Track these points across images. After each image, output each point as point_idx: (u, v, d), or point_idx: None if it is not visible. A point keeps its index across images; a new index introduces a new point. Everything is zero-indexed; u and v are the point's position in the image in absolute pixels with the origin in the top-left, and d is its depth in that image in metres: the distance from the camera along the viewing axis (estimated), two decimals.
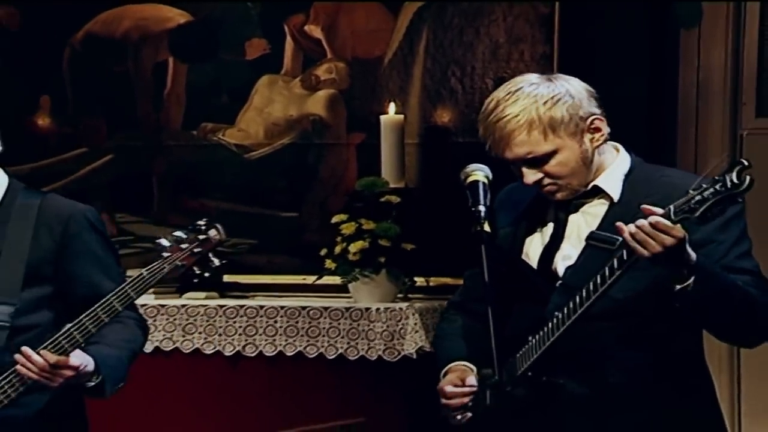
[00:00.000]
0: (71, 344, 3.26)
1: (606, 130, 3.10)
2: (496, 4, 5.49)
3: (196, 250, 3.26)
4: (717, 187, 2.79)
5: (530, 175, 3.07)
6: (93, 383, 3.32)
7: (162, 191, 5.95)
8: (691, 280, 2.88)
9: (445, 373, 3.19)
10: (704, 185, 2.81)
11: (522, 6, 5.46)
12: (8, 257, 3.39)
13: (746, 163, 2.79)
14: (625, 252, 2.89)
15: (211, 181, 5.84)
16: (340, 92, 5.75)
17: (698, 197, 2.81)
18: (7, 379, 3.29)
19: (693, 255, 2.88)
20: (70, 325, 3.27)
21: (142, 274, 3.26)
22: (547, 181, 3.07)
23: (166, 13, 5.92)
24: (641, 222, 2.84)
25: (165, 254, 3.26)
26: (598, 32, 5.19)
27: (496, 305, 2.98)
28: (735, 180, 2.77)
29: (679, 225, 2.84)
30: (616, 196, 3.09)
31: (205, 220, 3.30)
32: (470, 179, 3.10)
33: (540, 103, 3.03)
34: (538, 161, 3.05)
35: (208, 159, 5.88)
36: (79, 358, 3.24)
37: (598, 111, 3.09)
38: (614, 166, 3.13)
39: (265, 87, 5.83)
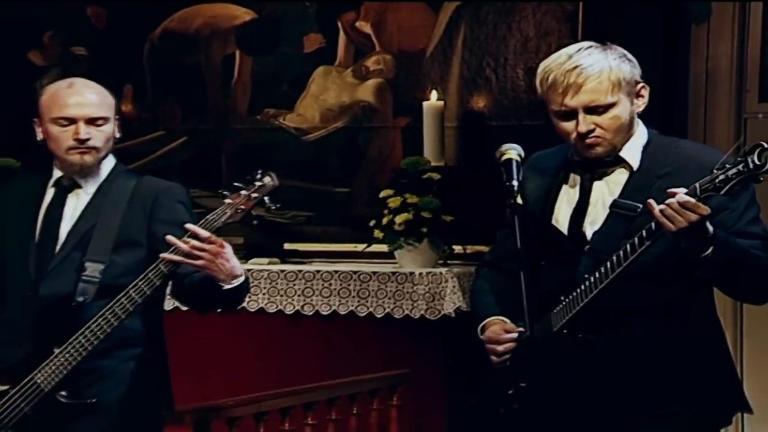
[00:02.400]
0: (148, 286, 3.29)
1: (647, 98, 3.08)
2: (526, 2, 5.46)
3: (253, 195, 3.28)
4: (740, 167, 2.76)
5: (585, 123, 3.02)
6: (235, 284, 3.31)
7: (230, 169, 5.97)
8: (710, 250, 2.86)
9: (483, 327, 3.18)
10: (727, 165, 2.78)
11: (549, 4, 5.43)
12: (103, 224, 3.45)
13: (766, 145, 2.75)
14: (653, 225, 2.86)
15: (272, 159, 5.83)
16: (387, 81, 5.74)
17: (722, 176, 2.78)
18: (102, 316, 3.32)
19: (710, 228, 2.86)
20: (146, 271, 3.31)
21: (207, 218, 3.27)
22: (597, 131, 3.03)
23: (234, 12, 5.94)
24: (670, 200, 2.82)
25: (227, 200, 3.27)
26: (617, 27, 5.15)
27: (528, 269, 2.96)
28: (757, 161, 2.75)
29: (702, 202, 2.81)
30: (636, 165, 3.06)
31: (260, 170, 3.30)
32: (504, 157, 3.08)
33: (611, 58, 3.02)
34: (596, 110, 3.01)
35: (270, 140, 5.89)
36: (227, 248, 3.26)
37: (643, 81, 3.08)
38: (635, 138, 3.10)
39: (320, 77, 5.83)
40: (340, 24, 5.78)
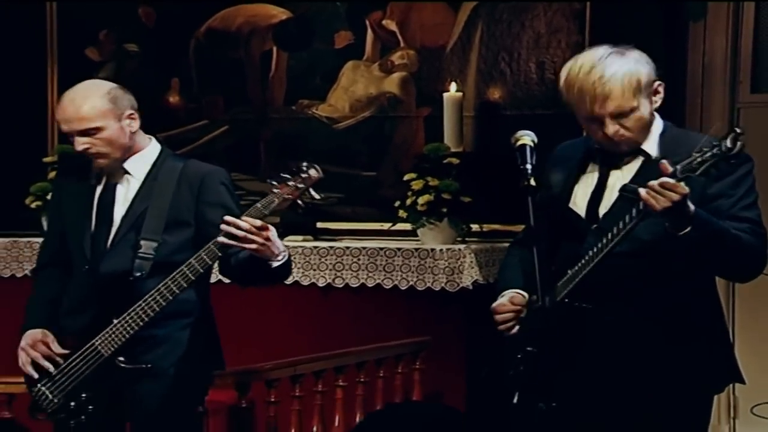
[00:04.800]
0: (201, 265, 3.28)
1: (662, 94, 3.03)
2: (538, 1, 5.43)
3: (299, 185, 3.22)
4: (714, 150, 2.74)
5: (611, 127, 2.97)
6: (279, 262, 3.28)
7: (267, 155, 5.96)
8: (689, 227, 2.82)
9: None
10: (704, 149, 2.75)
11: (559, 3, 5.40)
12: (155, 206, 3.43)
13: (739, 131, 2.74)
14: (641, 204, 2.83)
15: (306, 146, 5.84)
16: (410, 74, 5.71)
17: (699, 159, 2.75)
18: (158, 291, 3.32)
19: (692, 207, 2.82)
20: (200, 252, 3.28)
21: (256, 205, 3.24)
22: (622, 132, 2.98)
23: (271, 11, 5.92)
24: (652, 183, 2.78)
25: (275, 190, 3.23)
26: (621, 23, 5.11)
27: (541, 246, 2.94)
28: (729, 145, 2.73)
29: (683, 183, 2.77)
30: (654, 154, 3.02)
31: (306, 162, 3.26)
32: (519, 143, 3.03)
33: (631, 64, 2.95)
34: (621, 115, 2.96)
35: (304, 129, 5.88)
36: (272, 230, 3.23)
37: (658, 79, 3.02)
38: (653, 129, 3.06)
39: (350, 70, 5.81)
40: (368, 22, 5.76)
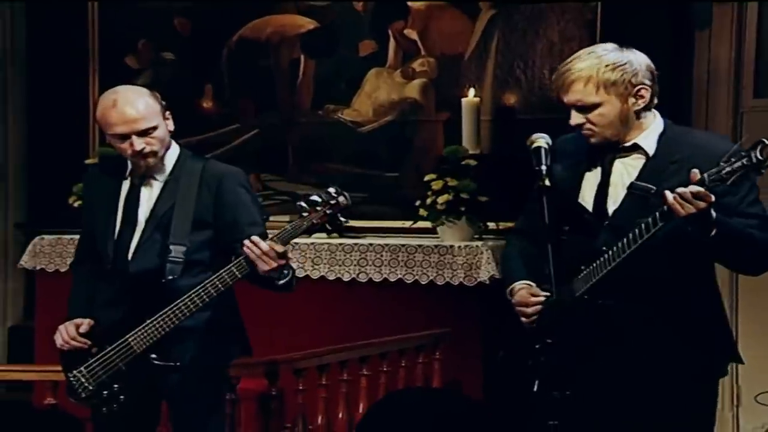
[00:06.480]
0: (230, 277, 3.28)
1: (648, 98, 2.99)
2: (551, 11, 5.40)
3: (328, 211, 3.21)
4: (744, 161, 2.72)
5: (575, 118, 3.00)
6: (284, 280, 3.30)
7: (295, 157, 5.97)
8: (714, 232, 2.82)
9: (512, 290, 3.13)
10: (733, 159, 2.73)
11: (572, 13, 5.37)
12: (180, 208, 3.40)
13: (767, 141, 2.70)
14: (666, 208, 2.82)
15: (332, 149, 5.84)
16: (430, 81, 5.70)
17: (728, 168, 2.74)
18: (189, 297, 3.30)
19: (714, 213, 2.81)
20: (230, 265, 3.27)
21: (286, 228, 3.22)
22: (587, 125, 2.99)
23: (299, 21, 5.93)
24: (683, 190, 2.77)
25: (304, 214, 3.21)
26: (630, 31, 5.07)
27: (554, 242, 2.92)
28: (759, 156, 2.70)
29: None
30: (651, 152, 3.01)
31: (335, 188, 3.24)
32: (534, 145, 3.02)
33: (603, 65, 2.94)
34: (584, 108, 2.97)
35: (330, 132, 5.88)
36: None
37: (648, 83, 2.98)
38: (652, 128, 3.03)
39: (373, 77, 5.80)
40: (390, 31, 5.75)
